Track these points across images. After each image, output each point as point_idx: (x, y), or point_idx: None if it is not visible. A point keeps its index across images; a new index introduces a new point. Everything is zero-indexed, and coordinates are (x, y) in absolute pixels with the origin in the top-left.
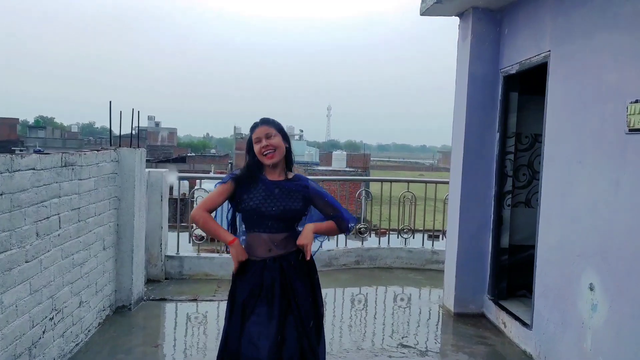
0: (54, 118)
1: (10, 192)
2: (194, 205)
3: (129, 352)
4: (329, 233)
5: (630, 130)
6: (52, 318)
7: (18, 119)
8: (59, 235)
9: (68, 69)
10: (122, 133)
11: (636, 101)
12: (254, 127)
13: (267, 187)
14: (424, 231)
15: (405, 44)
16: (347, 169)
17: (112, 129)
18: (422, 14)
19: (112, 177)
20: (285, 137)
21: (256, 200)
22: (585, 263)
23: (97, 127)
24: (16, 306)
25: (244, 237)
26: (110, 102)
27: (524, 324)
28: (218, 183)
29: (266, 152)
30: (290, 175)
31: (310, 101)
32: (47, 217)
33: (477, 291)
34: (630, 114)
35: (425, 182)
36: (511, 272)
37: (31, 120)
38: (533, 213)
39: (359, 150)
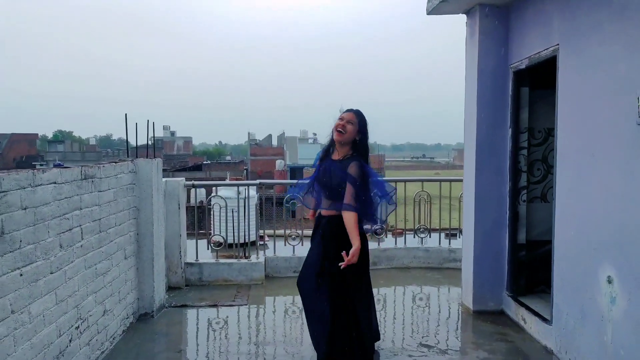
0: (73, 132)
1: (33, 206)
2: (212, 212)
3: (153, 359)
4: (356, 229)
5: None
6: (78, 327)
7: (37, 134)
8: (81, 246)
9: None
10: (138, 144)
11: None
12: (345, 110)
13: (327, 164)
14: (440, 230)
15: (412, 42)
16: None
17: (128, 140)
18: (429, 12)
19: (131, 188)
20: (362, 131)
21: (319, 173)
22: (602, 256)
23: (115, 139)
24: (43, 316)
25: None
26: (125, 114)
27: (543, 319)
28: (314, 166)
29: (338, 129)
30: (346, 156)
31: (324, 102)
32: (70, 229)
33: (495, 288)
34: None
35: (440, 180)
36: (530, 268)
37: (50, 135)
38: (549, 208)
39: (373, 151)
